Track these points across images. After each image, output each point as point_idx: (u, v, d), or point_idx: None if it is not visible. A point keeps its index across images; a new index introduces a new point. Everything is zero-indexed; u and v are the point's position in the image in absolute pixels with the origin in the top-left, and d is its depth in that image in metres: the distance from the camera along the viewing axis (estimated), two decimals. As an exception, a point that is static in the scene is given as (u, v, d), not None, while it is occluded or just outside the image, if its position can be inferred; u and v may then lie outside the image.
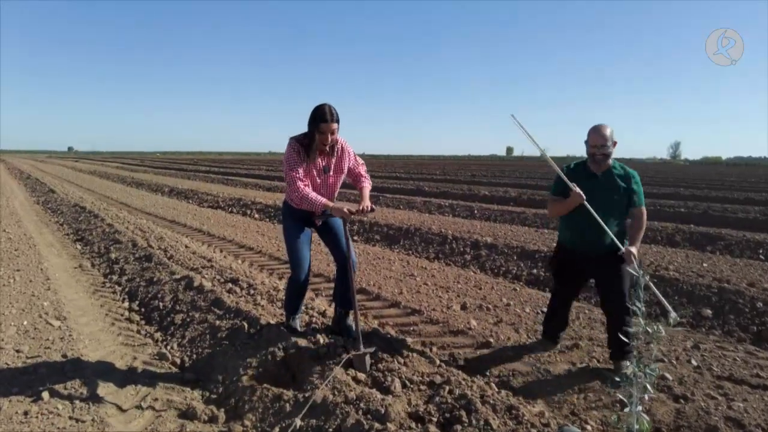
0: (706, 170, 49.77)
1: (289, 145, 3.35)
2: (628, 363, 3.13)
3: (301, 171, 3.30)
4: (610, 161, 3.49)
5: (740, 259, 7.19)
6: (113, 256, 6.75)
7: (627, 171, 3.48)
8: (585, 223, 3.40)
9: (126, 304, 5.05)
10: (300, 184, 3.27)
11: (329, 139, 3.27)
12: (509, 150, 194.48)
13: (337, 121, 3.27)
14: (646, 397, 1.81)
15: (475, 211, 11.87)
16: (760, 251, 7.63)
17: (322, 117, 3.21)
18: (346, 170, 3.54)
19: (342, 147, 3.48)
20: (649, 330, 1.78)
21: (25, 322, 4.29)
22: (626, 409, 1.84)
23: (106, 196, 16.09)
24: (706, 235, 8.62)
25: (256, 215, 11.92)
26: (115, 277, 5.94)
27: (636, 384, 1.80)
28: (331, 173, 3.47)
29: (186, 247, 7.28)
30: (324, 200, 3.28)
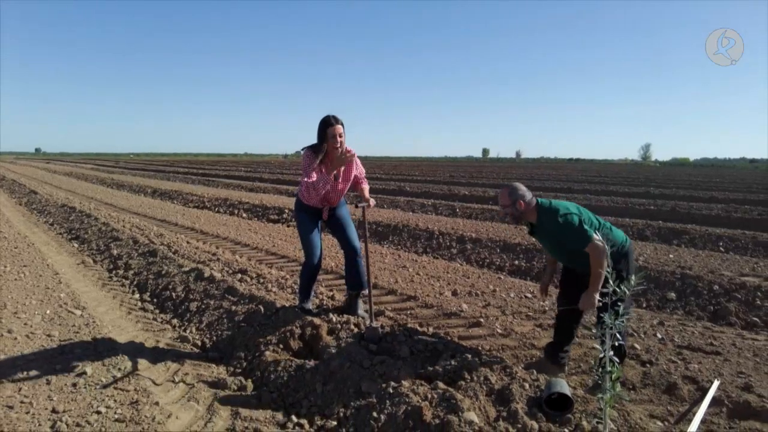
0: (675, 171, 51.59)
1: (304, 154, 3.84)
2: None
3: (314, 175, 3.78)
4: (535, 207, 3.17)
5: (702, 251, 7.83)
6: (115, 252, 7.00)
7: (551, 217, 3.09)
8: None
9: (137, 296, 5.35)
10: (310, 180, 3.74)
11: (338, 142, 3.71)
12: (485, 151, 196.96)
13: (342, 125, 3.75)
14: (616, 344, 2.26)
15: (457, 210, 12.37)
16: (720, 244, 8.30)
17: (327, 122, 3.72)
18: (352, 178, 4.04)
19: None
20: (617, 290, 2.23)
21: (48, 311, 4.58)
22: (600, 355, 2.30)
23: (90, 197, 16.07)
24: (673, 230, 9.27)
25: (244, 215, 12.18)
26: (120, 272, 6.21)
27: (608, 333, 2.25)
28: (340, 181, 3.97)
29: (188, 242, 7.58)
30: (328, 177, 3.74)
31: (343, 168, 3.92)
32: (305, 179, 3.76)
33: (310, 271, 4.04)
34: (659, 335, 4.25)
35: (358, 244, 4.13)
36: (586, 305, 3.02)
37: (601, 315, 2.32)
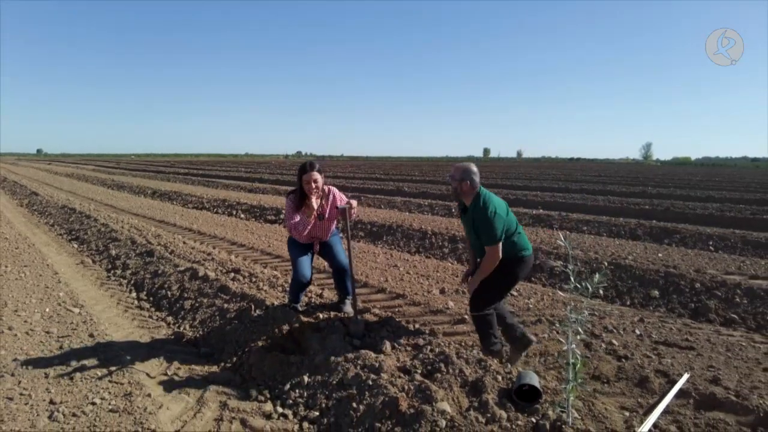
0: (675, 170, 51.67)
1: (287, 198, 4.11)
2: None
3: (297, 216, 4.02)
4: (475, 193, 3.46)
5: (692, 250, 7.96)
6: (113, 252, 7.15)
7: (478, 205, 3.40)
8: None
9: (134, 295, 5.50)
10: (292, 221, 4.03)
11: (314, 187, 3.96)
12: (486, 151, 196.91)
13: (319, 171, 3.99)
14: (578, 338, 2.40)
15: (453, 210, 12.49)
16: (710, 243, 8.43)
17: (303, 169, 3.97)
18: (336, 213, 4.23)
19: (333, 195, 4.18)
20: (579, 286, 2.37)
21: (47, 309, 4.74)
22: (564, 347, 2.44)
23: (90, 198, 16.24)
24: (665, 229, 9.40)
25: (242, 215, 12.33)
26: (118, 272, 6.37)
27: (571, 327, 2.40)
28: (326, 219, 4.18)
29: (184, 243, 7.74)
30: (307, 219, 4.06)
31: (328, 207, 4.14)
32: (289, 222, 4.02)
33: (297, 285, 4.20)
34: (638, 331, 4.38)
35: (346, 262, 4.30)
36: (469, 287, 3.58)
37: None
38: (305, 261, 4.20)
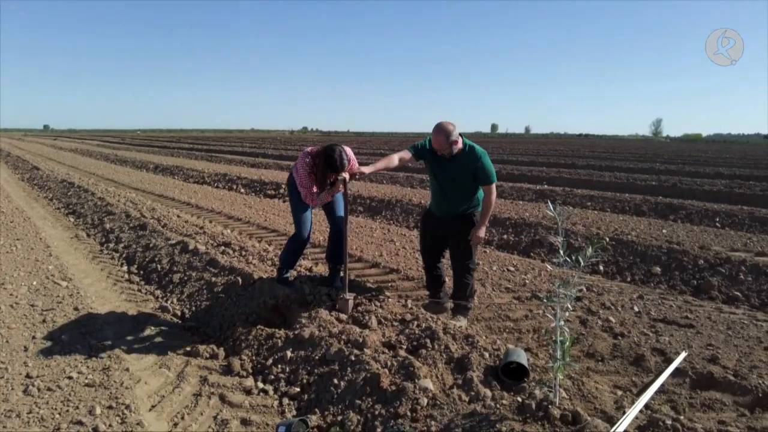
0: (685, 147, 50.77)
1: (304, 164, 3.83)
2: (465, 314, 3.89)
3: (315, 188, 3.89)
4: (459, 147, 3.64)
5: (698, 227, 7.78)
6: (107, 226, 7.08)
7: (475, 153, 3.65)
8: (441, 195, 3.85)
9: (125, 268, 5.43)
10: (311, 198, 3.93)
11: (337, 185, 3.88)
12: (494, 127, 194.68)
13: (346, 165, 3.78)
14: (566, 314, 2.28)
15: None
16: (717, 219, 8.23)
17: (333, 167, 3.70)
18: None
19: (348, 158, 3.93)
20: (568, 260, 2.23)
21: (34, 282, 4.67)
22: (552, 324, 2.31)
23: (92, 173, 16.17)
24: (670, 205, 9.18)
25: (242, 190, 12.22)
26: (111, 245, 6.29)
27: (559, 302, 2.26)
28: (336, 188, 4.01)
29: (178, 216, 7.65)
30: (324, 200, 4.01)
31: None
32: (305, 189, 3.88)
33: (297, 244, 4.11)
34: (636, 308, 4.26)
35: (343, 225, 4.15)
36: (478, 237, 3.76)
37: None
38: (309, 219, 4.12)
